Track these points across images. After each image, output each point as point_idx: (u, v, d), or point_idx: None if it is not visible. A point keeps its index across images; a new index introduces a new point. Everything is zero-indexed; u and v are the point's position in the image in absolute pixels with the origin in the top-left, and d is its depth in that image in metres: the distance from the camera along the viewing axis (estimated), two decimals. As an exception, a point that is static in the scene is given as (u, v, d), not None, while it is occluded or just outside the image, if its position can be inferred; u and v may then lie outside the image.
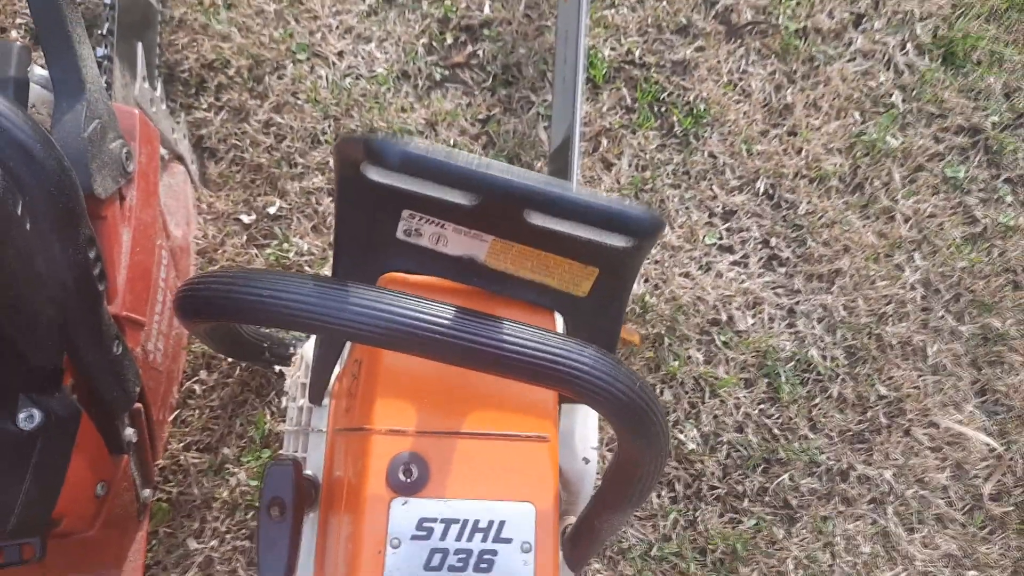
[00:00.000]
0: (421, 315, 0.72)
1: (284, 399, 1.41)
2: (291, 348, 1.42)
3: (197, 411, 1.42)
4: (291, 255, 1.51)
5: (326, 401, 1.11)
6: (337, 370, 1.03)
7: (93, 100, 1.07)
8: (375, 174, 0.76)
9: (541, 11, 1.71)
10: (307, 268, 1.51)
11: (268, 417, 1.42)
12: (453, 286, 0.83)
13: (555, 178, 0.80)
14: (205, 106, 1.58)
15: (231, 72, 1.59)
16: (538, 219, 0.78)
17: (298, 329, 0.83)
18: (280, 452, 1.13)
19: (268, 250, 1.51)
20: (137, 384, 1.10)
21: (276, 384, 1.44)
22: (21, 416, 0.81)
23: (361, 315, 0.70)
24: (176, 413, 1.40)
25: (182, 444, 1.40)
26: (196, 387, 1.42)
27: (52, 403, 0.85)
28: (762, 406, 1.48)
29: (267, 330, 1.39)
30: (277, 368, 1.28)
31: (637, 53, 1.70)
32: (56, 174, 0.69)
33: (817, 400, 1.52)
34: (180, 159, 1.48)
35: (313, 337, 1.26)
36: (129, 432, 1.17)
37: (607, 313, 0.84)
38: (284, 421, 1.42)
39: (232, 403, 1.43)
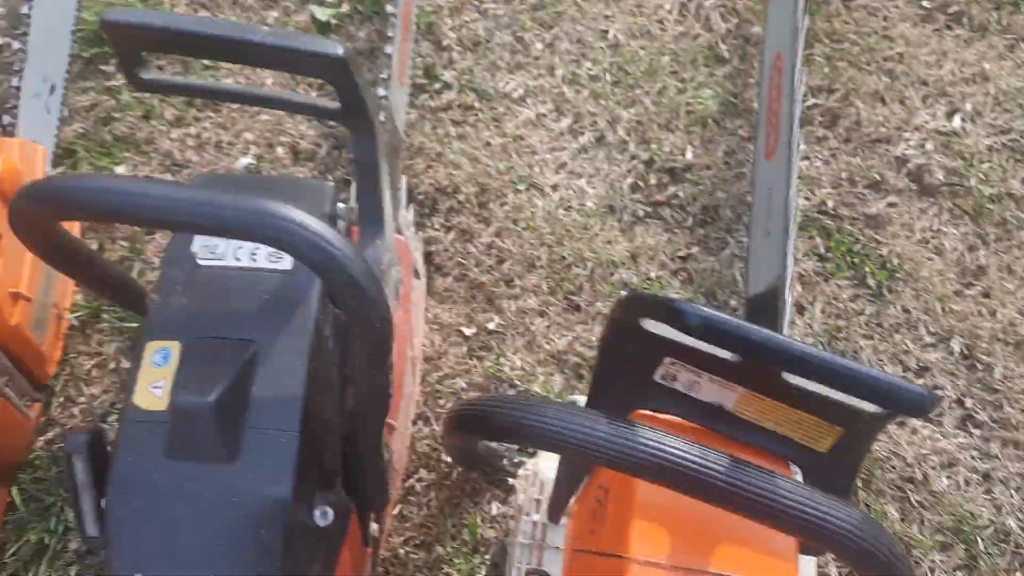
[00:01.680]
0: (698, 457, 0.82)
1: (501, 505, 1.53)
2: (503, 459, 1.55)
3: (416, 508, 1.55)
4: (505, 369, 1.65)
5: (563, 520, 1.21)
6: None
7: (388, 234, 1.24)
8: (652, 326, 0.88)
9: (739, 159, 1.85)
10: (519, 384, 1.64)
11: (480, 522, 1.54)
12: (696, 427, 0.92)
13: (811, 347, 0.89)
14: (436, 226, 1.76)
15: (461, 197, 1.78)
16: (795, 379, 0.88)
17: (565, 453, 0.94)
18: (534, 569, 1.24)
19: (486, 363, 1.66)
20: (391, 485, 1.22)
21: (487, 490, 1.56)
22: (317, 513, 0.89)
23: (637, 448, 0.81)
24: (398, 508, 1.53)
25: (401, 539, 1.53)
26: (416, 484, 1.56)
27: (335, 500, 0.93)
28: (959, 573, 1.52)
29: (494, 446, 1.52)
30: (511, 480, 1.40)
31: (831, 204, 1.81)
32: (381, 309, 0.78)
33: (1018, 574, 1.55)
34: (417, 274, 1.65)
35: (544, 454, 1.39)
36: (374, 527, 1.31)
37: (844, 470, 0.91)
38: (494, 527, 1.54)
39: (448, 504, 1.55)
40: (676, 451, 0.81)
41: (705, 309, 0.81)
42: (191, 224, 0.74)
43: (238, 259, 0.96)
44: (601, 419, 0.82)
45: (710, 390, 0.90)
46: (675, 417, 0.93)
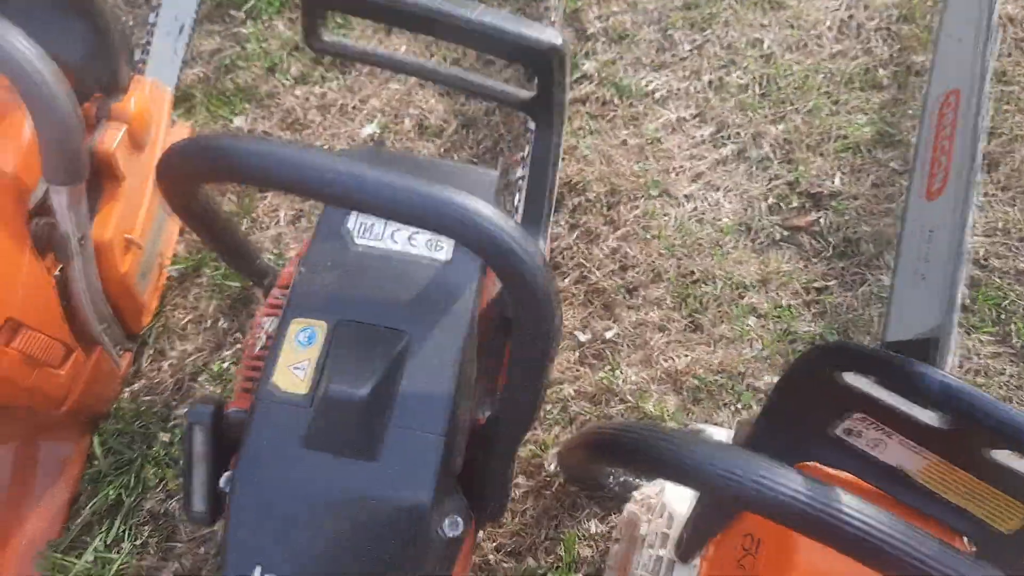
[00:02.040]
0: (887, 526, 0.73)
1: (600, 524, 1.43)
2: (610, 477, 1.45)
3: (511, 514, 1.45)
4: (619, 382, 1.54)
5: (694, 561, 1.11)
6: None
7: (545, 233, 1.16)
8: (852, 379, 0.82)
9: (887, 193, 1.72)
10: (630, 399, 1.54)
11: (577, 538, 1.44)
12: (868, 487, 0.84)
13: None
14: (561, 223, 1.66)
15: (590, 195, 1.68)
16: (1001, 455, 0.80)
17: (735, 505, 0.85)
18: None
19: (599, 372, 1.55)
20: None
21: (587, 506, 1.46)
22: (447, 522, 0.83)
23: (825, 508, 0.71)
24: (495, 515, 1.44)
25: (493, 543, 1.43)
26: (514, 490, 1.46)
27: (461, 508, 0.87)
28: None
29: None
30: (626, 506, 1.30)
31: (981, 253, 1.68)
32: (557, 321, 0.73)
33: None
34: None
35: (672, 486, 1.29)
36: (480, 535, 1.22)
37: None
38: (591, 545, 1.44)
39: (545, 516, 1.45)
40: (863, 516, 0.71)
41: (948, 377, 0.74)
42: (378, 207, 0.66)
43: (395, 242, 0.89)
44: (776, 469, 0.73)
45: (896, 452, 0.84)
46: (845, 473, 0.86)
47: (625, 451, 0.90)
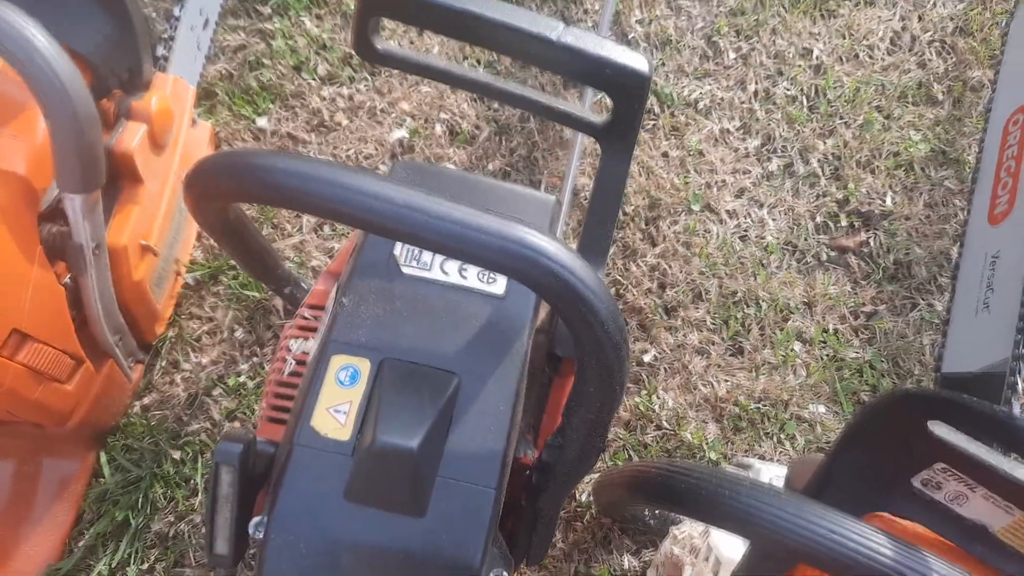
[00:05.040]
0: None
1: (632, 559, 1.34)
2: (645, 511, 1.37)
3: (541, 549, 1.37)
4: (655, 407, 1.46)
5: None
6: None
7: (604, 265, 1.09)
8: (941, 430, 0.75)
9: (942, 214, 1.63)
10: (667, 425, 1.45)
11: (609, 575, 1.35)
12: (938, 540, 0.78)
13: None
14: (598, 237, 1.57)
15: (629, 209, 1.59)
16: None
17: (770, 544, 0.79)
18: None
19: (636, 397, 1.47)
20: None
21: (619, 539, 1.38)
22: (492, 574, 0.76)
23: (894, 566, 0.65)
24: (525, 548, 1.35)
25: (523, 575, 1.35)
26: (545, 524, 1.38)
27: (502, 558, 0.80)
28: None
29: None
30: (667, 545, 1.21)
31: (1041, 281, 1.59)
32: (625, 372, 0.66)
33: None
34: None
35: (718, 530, 1.20)
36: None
37: None
38: (626, 585, 1.35)
39: (576, 549, 1.37)
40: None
41: None
42: (440, 246, 0.59)
43: (445, 273, 0.82)
44: (851, 524, 0.67)
45: (979, 507, 0.77)
46: (917, 525, 0.79)
47: (675, 495, 0.84)
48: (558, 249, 0.58)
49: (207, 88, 1.64)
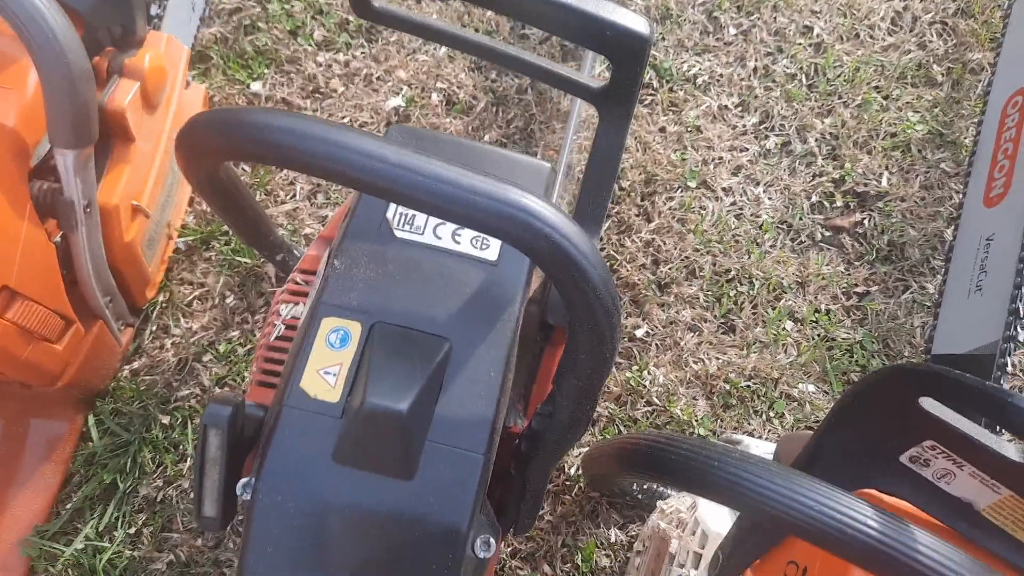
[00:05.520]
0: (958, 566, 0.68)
1: (619, 532, 1.35)
2: (633, 485, 1.37)
3: (528, 520, 1.37)
4: (646, 383, 1.46)
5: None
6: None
7: (600, 232, 1.08)
8: (932, 406, 0.74)
9: (937, 196, 1.63)
10: (657, 401, 1.45)
11: (596, 548, 1.36)
12: (926, 518, 0.78)
13: None
14: (593, 211, 1.57)
15: (625, 184, 1.58)
16: None
17: (758, 516, 0.79)
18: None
19: (626, 372, 1.47)
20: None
21: (607, 514, 1.38)
22: (479, 542, 0.76)
23: (883, 537, 0.65)
24: (513, 519, 1.35)
25: (508, 548, 1.35)
26: (533, 496, 1.38)
27: (490, 526, 0.81)
28: None
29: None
30: (652, 517, 1.22)
31: (1033, 265, 1.60)
32: (616, 340, 0.66)
33: None
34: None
35: (705, 502, 1.21)
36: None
37: None
38: (609, 555, 1.36)
39: (563, 522, 1.37)
40: (941, 557, 0.65)
41: None
42: (433, 207, 0.58)
43: (438, 237, 0.82)
44: (843, 497, 0.67)
45: (965, 485, 0.77)
46: (904, 502, 0.80)
47: (664, 466, 0.83)
48: (552, 213, 0.57)
49: (201, 51, 1.62)
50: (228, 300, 1.46)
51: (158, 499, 1.34)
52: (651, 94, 1.66)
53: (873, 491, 0.80)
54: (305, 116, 0.60)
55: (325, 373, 0.74)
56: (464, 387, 0.75)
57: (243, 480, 0.73)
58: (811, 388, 1.48)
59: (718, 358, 1.49)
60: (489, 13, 1.66)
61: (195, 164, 0.73)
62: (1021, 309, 1.27)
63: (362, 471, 0.71)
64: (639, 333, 1.49)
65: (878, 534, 0.66)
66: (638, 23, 0.84)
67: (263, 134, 0.59)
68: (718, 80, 1.69)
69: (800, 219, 1.60)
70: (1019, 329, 1.27)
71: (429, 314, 0.77)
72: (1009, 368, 1.27)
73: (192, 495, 0.85)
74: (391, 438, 0.70)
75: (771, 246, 1.58)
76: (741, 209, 1.60)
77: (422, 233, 0.82)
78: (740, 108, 1.67)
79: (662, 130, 1.64)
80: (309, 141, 0.57)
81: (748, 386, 1.47)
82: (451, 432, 0.73)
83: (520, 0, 0.82)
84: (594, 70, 1.63)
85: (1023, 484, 0.73)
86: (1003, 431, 0.73)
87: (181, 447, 1.36)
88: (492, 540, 0.76)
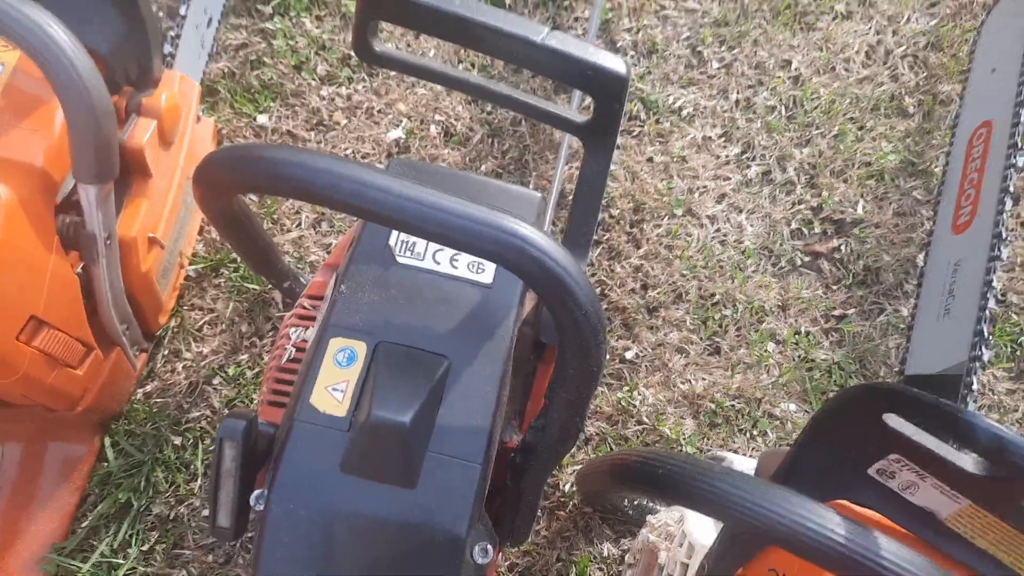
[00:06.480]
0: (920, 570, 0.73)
1: (612, 547, 1.41)
2: (625, 500, 1.44)
3: (525, 535, 1.43)
4: (636, 403, 1.53)
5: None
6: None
7: (587, 258, 1.15)
8: (896, 423, 0.83)
9: (910, 223, 1.72)
10: (646, 420, 1.53)
11: (590, 563, 1.42)
12: (893, 527, 0.84)
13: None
14: (585, 238, 1.64)
15: (615, 212, 1.66)
16: None
17: (740, 526, 0.85)
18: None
19: (617, 393, 1.54)
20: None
21: (600, 528, 1.45)
22: (477, 550, 0.81)
23: (853, 545, 0.71)
24: (511, 533, 1.42)
25: (505, 563, 1.42)
26: (530, 511, 1.45)
27: (488, 534, 0.86)
28: None
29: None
30: (643, 532, 1.29)
31: (999, 288, 1.68)
32: (603, 354, 0.72)
33: None
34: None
35: (692, 516, 1.28)
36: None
37: None
38: (603, 568, 1.42)
39: (558, 537, 1.44)
40: (904, 562, 0.71)
41: (1002, 429, 0.74)
42: (431, 233, 0.65)
43: (437, 263, 0.88)
44: (814, 507, 0.73)
45: (928, 495, 0.83)
46: (873, 512, 0.85)
47: (653, 481, 0.89)
48: (542, 238, 0.64)
49: (210, 85, 1.69)
50: (237, 325, 1.53)
51: (171, 517, 1.39)
52: (639, 125, 1.75)
53: (845, 502, 0.86)
54: (314, 152, 0.67)
55: (333, 390, 0.80)
56: (462, 401, 0.81)
57: (256, 491, 0.78)
58: (792, 407, 1.56)
59: (704, 379, 1.57)
60: (484, 49, 1.74)
61: (212, 197, 0.79)
62: (986, 331, 1.36)
63: (368, 480, 0.76)
64: (629, 355, 1.57)
65: (847, 542, 0.72)
66: (616, 63, 0.91)
67: (276, 168, 0.65)
68: (702, 112, 1.77)
69: (781, 245, 1.69)
70: (984, 350, 1.35)
71: (429, 334, 0.83)
72: (975, 387, 1.34)
73: (207, 508, 0.90)
74: (395, 449, 0.75)
75: (753, 271, 1.66)
76: (725, 236, 1.68)
77: (422, 259, 0.88)
78: (723, 139, 1.76)
79: (649, 160, 1.72)
80: (319, 174, 0.64)
81: (733, 405, 1.55)
82: (450, 443, 0.79)
83: (510, 45, 0.89)
84: (583, 102, 1.71)
85: (984, 495, 0.79)
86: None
87: (192, 467, 1.42)
88: (489, 547, 0.81)
